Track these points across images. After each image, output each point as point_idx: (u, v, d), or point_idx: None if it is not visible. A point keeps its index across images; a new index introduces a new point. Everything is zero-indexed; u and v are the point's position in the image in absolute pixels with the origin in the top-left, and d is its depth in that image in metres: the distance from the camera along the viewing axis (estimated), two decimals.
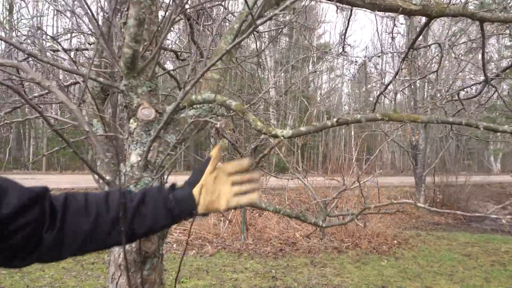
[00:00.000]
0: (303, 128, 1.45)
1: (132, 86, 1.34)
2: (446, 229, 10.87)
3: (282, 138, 1.42)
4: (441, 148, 19.90)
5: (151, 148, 1.36)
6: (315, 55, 30.37)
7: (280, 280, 5.96)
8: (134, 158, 1.36)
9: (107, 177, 1.28)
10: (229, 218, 9.41)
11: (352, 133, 26.39)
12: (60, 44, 1.87)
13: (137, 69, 1.31)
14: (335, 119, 1.45)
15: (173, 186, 1.12)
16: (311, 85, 32.02)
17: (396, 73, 2.14)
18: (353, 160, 11.14)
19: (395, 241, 8.61)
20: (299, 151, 10.21)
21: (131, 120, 1.37)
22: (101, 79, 1.38)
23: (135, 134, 1.36)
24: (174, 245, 8.19)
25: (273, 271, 6.43)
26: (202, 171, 1.12)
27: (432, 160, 14.81)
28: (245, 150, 3.07)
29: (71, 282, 5.60)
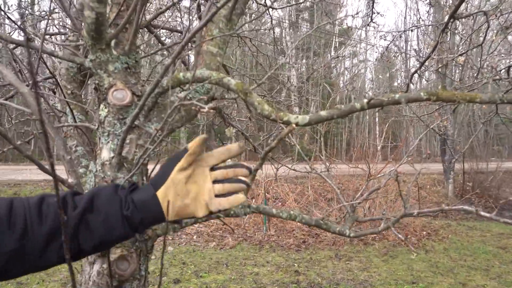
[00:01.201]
0: (323, 113, 1.13)
1: (101, 62, 1.05)
2: (477, 219, 10.32)
3: (296, 125, 1.10)
4: (469, 133, 19.14)
5: (127, 141, 1.07)
6: (337, 40, 29.69)
7: (303, 275, 5.68)
8: (105, 154, 1.07)
9: (70, 180, 0.99)
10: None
11: (377, 119, 25.73)
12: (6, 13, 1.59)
13: (104, 40, 1.01)
14: (365, 100, 1.13)
15: (133, 185, 0.83)
16: (333, 71, 31.36)
17: (435, 47, 1.78)
18: (378, 147, 10.71)
19: (424, 232, 8.20)
20: (321, 138, 9.84)
21: (101, 106, 1.07)
22: (59, 53, 1.10)
23: (106, 123, 1.07)
24: (194, 237, 8.00)
25: (295, 264, 6.14)
26: (171, 167, 0.83)
27: (461, 147, 14.16)
28: (258, 141, 2.75)
29: None
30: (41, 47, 0.99)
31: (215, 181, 0.85)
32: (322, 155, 9.64)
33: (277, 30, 34.22)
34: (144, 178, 1.14)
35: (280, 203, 10.65)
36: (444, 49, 7.31)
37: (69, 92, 1.41)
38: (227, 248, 7.18)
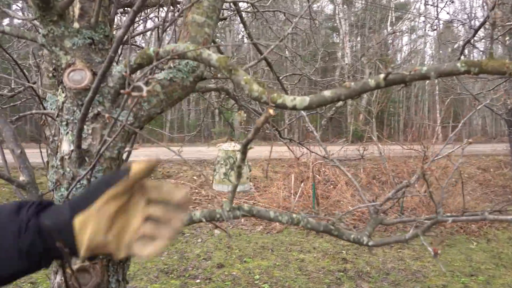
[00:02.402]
0: (327, 93, 0.89)
1: (56, 36, 0.87)
2: None
3: (293, 109, 0.88)
4: None
5: (89, 132, 0.90)
6: (393, 15, 28.22)
7: (350, 263, 5.42)
8: (65, 146, 0.91)
9: (21, 178, 0.84)
10: (298, 192, 8.95)
11: (437, 97, 24.35)
12: None
13: (55, 9, 0.83)
14: (382, 76, 0.88)
15: (45, 204, 0.64)
16: (390, 48, 29.97)
17: (493, 7, 1.45)
18: (437, 127, 10.04)
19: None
20: (373, 119, 9.35)
21: (59, 90, 0.91)
22: (6, 28, 0.94)
23: (65, 110, 0.90)
24: (242, 220, 7.94)
25: (343, 251, 5.89)
26: (102, 189, 0.63)
27: None
28: (282, 125, 2.51)
29: (133, 258, 5.53)
30: None
31: (149, 218, 0.67)
32: (373, 136, 9.17)
33: (330, 6, 33.16)
34: None
35: (331, 186, 10.33)
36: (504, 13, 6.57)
37: (50, 75, 1.27)
38: (273, 232, 7.05)
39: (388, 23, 28.57)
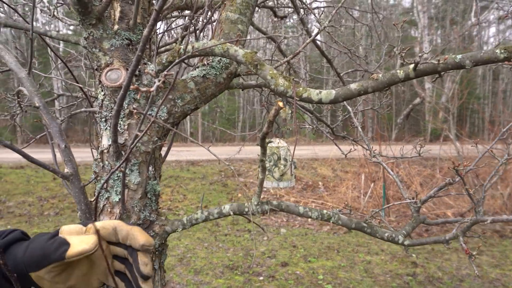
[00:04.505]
0: (354, 86, 0.87)
1: (95, 39, 0.93)
2: None
3: (319, 103, 0.87)
4: None
5: (125, 127, 0.95)
6: (478, 4, 26.35)
7: (421, 267, 5.16)
8: (105, 141, 0.97)
9: (66, 170, 0.91)
10: (368, 193, 8.69)
11: None
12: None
13: (93, 13, 0.89)
14: (411, 66, 0.84)
15: (8, 242, 0.71)
16: (474, 40, 28.01)
17: None
18: None
19: None
20: (451, 115, 8.80)
21: (99, 89, 0.97)
22: (52, 33, 1.02)
23: (104, 107, 0.96)
24: (309, 219, 7.88)
25: (413, 255, 5.61)
26: (41, 264, 0.69)
27: None
28: (334, 122, 2.45)
29: (201, 253, 5.73)
30: (32, 28, 0.91)
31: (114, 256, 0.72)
32: (451, 135, 8.63)
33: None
34: (150, 167, 1.01)
35: (405, 187, 9.90)
36: None
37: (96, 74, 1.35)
38: (340, 233, 6.92)
39: (472, 14, 26.70)
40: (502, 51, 0.79)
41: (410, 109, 23.74)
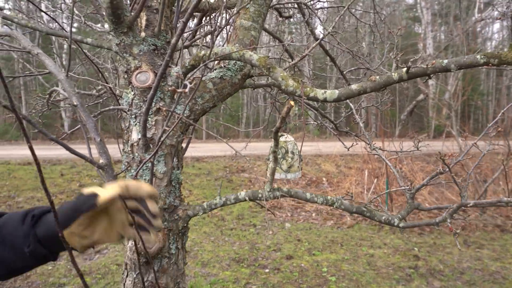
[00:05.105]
0: (354, 86, 0.99)
1: (126, 45, 1.06)
2: None
3: (324, 101, 1.00)
4: None
5: (152, 123, 1.08)
6: (482, 0, 26.28)
7: (422, 260, 5.28)
8: (134, 135, 1.10)
9: (100, 161, 1.04)
10: (371, 188, 8.81)
11: None
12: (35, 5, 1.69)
13: (125, 22, 1.02)
14: (404, 69, 0.96)
15: (39, 215, 0.85)
16: (478, 36, 27.98)
17: None
18: None
19: None
20: (453, 112, 8.89)
21: (129, 89, 1.10)
22: (88, 40, 1.14)
23: (134, 105, 1.09)
24: (313, 214, 8.02)
25: (415, 248, 5.74)
26: (73, 217, 0.82)
27: None
28: (337, 118, 2.58)
29: (208, 247, 5.87)
30: (71, 35, 1.04)
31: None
32: (453, 131, 8.73)
33: None
34: (175, 158, 1.15)
35: (408, 182, 10.01)
36: None
37: (125, 76, 1.48)
38: (344, 227, 7.05)
39: (476, 10, 26.66)
40: (482, 56, 0.91)
41: (414, 106, 23.80)
